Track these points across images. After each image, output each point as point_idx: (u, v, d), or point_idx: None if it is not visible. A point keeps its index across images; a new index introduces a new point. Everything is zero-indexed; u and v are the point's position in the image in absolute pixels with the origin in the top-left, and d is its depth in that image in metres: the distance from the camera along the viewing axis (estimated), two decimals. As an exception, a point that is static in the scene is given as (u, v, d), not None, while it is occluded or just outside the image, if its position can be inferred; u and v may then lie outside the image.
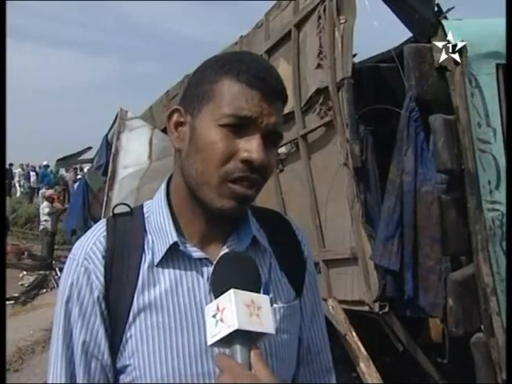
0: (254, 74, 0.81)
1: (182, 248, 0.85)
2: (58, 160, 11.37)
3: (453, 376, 3.15)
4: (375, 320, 3.19)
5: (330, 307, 3.28)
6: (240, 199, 0.82)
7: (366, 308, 3.04)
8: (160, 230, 0.87)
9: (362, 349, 3.08)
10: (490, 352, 2.51)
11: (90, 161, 9.00)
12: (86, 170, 12.30)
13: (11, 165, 18.66)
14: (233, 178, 0.80)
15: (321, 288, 3.30)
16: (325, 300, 3.34)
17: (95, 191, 7.90)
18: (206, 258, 0.86)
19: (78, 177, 15.50)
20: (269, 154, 0.83)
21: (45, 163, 18.27)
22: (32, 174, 18.49)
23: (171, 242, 0.84)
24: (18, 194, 17.89)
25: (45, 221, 10.27)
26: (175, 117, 0.87)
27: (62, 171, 18.43)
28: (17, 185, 18.46)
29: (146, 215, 0.90)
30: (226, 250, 0.87)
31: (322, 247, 3.43)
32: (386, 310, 2.94)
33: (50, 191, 11.77)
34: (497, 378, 2.50)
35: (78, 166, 16.46)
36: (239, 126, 0.80)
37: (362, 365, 3.03)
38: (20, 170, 18.85)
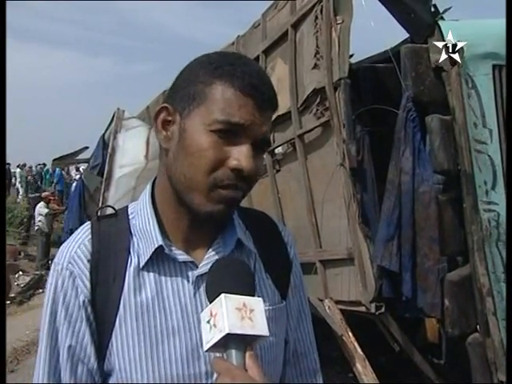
0: (248, 80, 0.80)
1: (167, 251, 0.84)
2: (55, 160, 11.32)
3: (449, 376, 3.16)
4: (372, 320, 3.19)
5: (327, 307, 3.27)
6: (229, 203, 0.82)
7: (363, 308, 3.04)
8: (145, 233, 0.85)
9: (359, 349, 3.08)
10: (486, 352, 2.52)
11: (87, 160, 8.96)
12: (81, 169, 12.27)
13: (8, 164, 18.60)
14: (221, 185, 0.80)
15: (317, 288, 3.33)
16: (321, 300, 3.34)
17: (91, 191, 7.87)
18: (191, 262, 0.85)
19: (77, 177, 15.43)
20: (256, 161, 0.82)
21: (42, 163, 18.22)
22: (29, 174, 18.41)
23: (156, 245, 0.83)
24: (21, 193, 17.76)
25: (40, 221, 10.25)
26: (163, 115, 0.86)
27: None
28: (18, 185, 18.36)
29: (130, 217, 0.89)
30: (212, 253, 0.86)
31: (318, 247, 3.42)
32: (383, 310, 2.94)
33: (46, 192, 11.75)
34: (492, 378, 2.51)
35: (67, 167, 16.41)
36: (230, 133, 0.79)
37: (358, 365, 3.03)
38: (19, 170, 18.78)
